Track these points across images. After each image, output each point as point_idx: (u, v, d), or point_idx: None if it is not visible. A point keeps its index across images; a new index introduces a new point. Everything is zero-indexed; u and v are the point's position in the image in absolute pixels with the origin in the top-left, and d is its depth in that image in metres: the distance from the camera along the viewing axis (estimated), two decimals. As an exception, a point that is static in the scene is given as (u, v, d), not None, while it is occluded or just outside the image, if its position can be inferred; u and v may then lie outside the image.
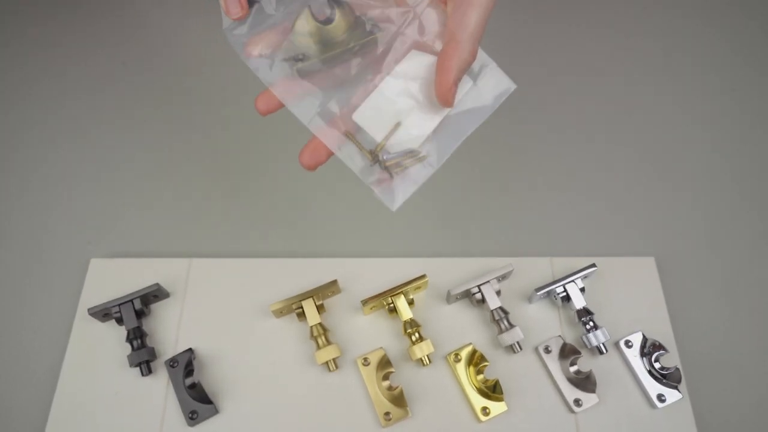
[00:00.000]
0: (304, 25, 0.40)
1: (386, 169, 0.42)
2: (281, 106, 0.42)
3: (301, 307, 0.57)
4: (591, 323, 0.57)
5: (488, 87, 0.42)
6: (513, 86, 0.42)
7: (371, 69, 0.42)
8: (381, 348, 0.57)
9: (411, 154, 0.42)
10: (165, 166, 0.69)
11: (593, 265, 0.59)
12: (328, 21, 0.41)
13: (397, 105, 0.42)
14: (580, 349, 0.56)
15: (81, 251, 0.63)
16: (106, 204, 0.67)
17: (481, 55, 0.42)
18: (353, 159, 0.42)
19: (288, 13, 0.41)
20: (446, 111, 0.42)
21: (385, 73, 0.42)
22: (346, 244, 0.65)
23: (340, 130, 0.42)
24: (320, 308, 0.58)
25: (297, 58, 0.41)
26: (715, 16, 0.83)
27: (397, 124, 0.42)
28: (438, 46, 0.42)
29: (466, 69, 0.40)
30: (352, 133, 0.42)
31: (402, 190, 0.42)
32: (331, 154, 0.42)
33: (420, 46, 0.42)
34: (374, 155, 0.41)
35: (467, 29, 0.39)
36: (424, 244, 0.65)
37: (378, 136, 0.42)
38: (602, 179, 0.70)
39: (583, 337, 0.57)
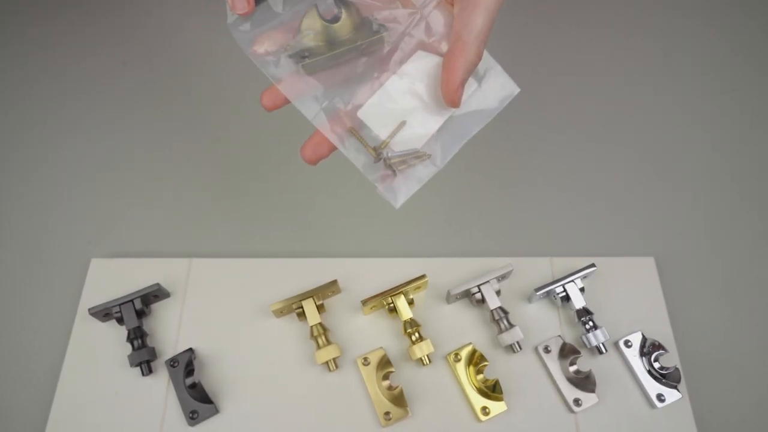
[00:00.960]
0: (311, 23, 0.41)
1: (390, 166, 0.42)
2: (286, 102, 0.42)
3: (301, 307, 0.57)
4: (590, 323, 0.57)
5: (493, 90, 0.43)
6: (517, 89, 0.43)
7: (377, 68, 0.42)
8: (381, 348, 0.57)
9: (415, 153, 0.42)
10: (165, 166, 0.69)
11: (593, 265, 0.59)
12: (335, 20, 0.41)
13: (402, 104, 0.42)
14: (579, 349, 0.57)
15: (81, 251, 0.63)
16: (106, 204, 0.67)
17: (486, 58, 0.42)
18: (357, 155, 0.42)
19: (295, 13, 0.41)
20: (451, 111, 0.42)
21: (391, 72, 0.42)
22: (346, 244, 0.65)
23: (345, 127, 0.42)
24: (320, 308, 0.58)
25: (303, 55, 0.41)
26: (715, 16, 0.83)
27: (402, 123, 0.42)
28: (444, 47, 0.42)
29: (472, 70, 0.40)
30: (357, 130, 0.42)
31: (405, 188, 0.42)
32: (333, 149, 0.42)
33: (426, 47, 0.42)
34: (378, 152, 0.42)
35: (473, 31, 0.39)
36: (424, 244, 0.65)
37: (382, 133, 0.42)
38: (602, 179, 0.70)
39: (583, 337, 0.57)
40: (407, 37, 0.42)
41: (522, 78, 0.44)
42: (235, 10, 0.40)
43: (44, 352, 0.58)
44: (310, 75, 0.42)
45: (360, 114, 0.42)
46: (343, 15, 0.41)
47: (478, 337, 0.59)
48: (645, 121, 0.74)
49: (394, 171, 0.42)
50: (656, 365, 0.56)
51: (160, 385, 0.56)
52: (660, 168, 0.71)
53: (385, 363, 0.56)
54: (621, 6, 0.83)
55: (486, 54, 0.42)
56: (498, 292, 0.58)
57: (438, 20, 0.42)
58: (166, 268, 0.61)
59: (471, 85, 0.42)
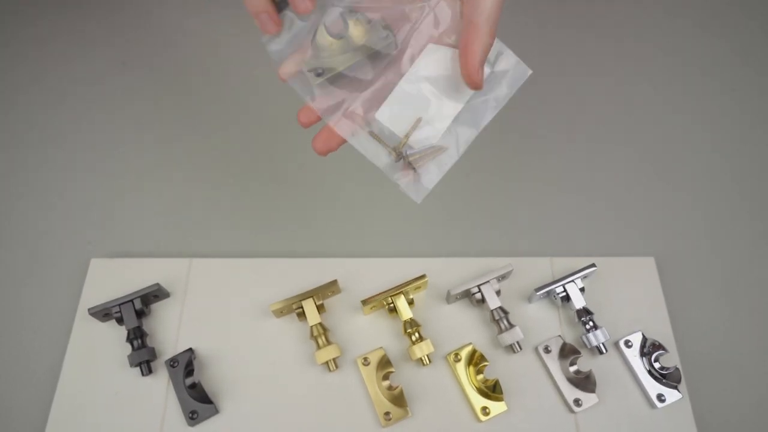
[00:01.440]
0: (322, 40, 0.42)
1: (410, 164, 0.43)
2: (320, 118, 0.43)
3: (301, 307, 0.57)
4: (591, 323, 0.57)
5: (505, 73, 0.43)
6: (529, 71, 0.43)
7: (391, 68, 0.43)
8: (381, 348, 0.57)
9: (433, 147, 0.43)
10: (165, 166, 0.69)
11: (593, 265, 0.59)
12: (342, 35, 0.42)
13: (417, 101, 0.43)
14: (579, 349, 0.57)
15: (81, 251, 0.63)
16: (106, 204, 0.67)
17: (496, 43, 0.43)
18: (378, 157, 0.43)
19: (311, 25, 0.42)
20: (465, 100, 0.43)
21: (404, 70, 0.43)
22: (346, 244, 0.65)
23: (365, 130, 0.43)
24: (320, 308, 0.58)
25: (317, 73, 0.42)
26: (715, 16, 0.83)
27: (418, 120, 0.43)
28: (454, 38, 0.42)
29: (488, 51, 0.41)
30: (376, 132, 0.43)
31: (426, 183, 0.43)
32: (342, 142, 0.43)
33: (436, 40, 0.43)
34: (398, 151, 0.43)
35: (483, 13, 0.40)
36: (424, 244, 0.65)
37: (400, 132, 0.43)
38: (602, 179, 0.70)
39: (583, 337, 0.57)
40: (417, 32, 0.43)
41: (521, 77, 0.44)
42: (266, 32, 0.42)
43: (44, 352, 0.58)
44: (330, 86, 0.43)
45: (377, 116, 0.43)
46: (351, 26, 0.42)
47: (478, 337, 0.59)
48: (645, 121, 0.74)
49: (414, 168, 0.43)
50: (656, 365, 0.56)
51: (160, 385, 0.56)
52: (660, 168, 0.71)
53: (385, 363, 0.56)
54: (621, 6, 0.83)
55: (496, 39, 0.42)
56: (498, 292, 0.58)
57: (445, 11, 0.42)
58: (166, 268, 0.61)
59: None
